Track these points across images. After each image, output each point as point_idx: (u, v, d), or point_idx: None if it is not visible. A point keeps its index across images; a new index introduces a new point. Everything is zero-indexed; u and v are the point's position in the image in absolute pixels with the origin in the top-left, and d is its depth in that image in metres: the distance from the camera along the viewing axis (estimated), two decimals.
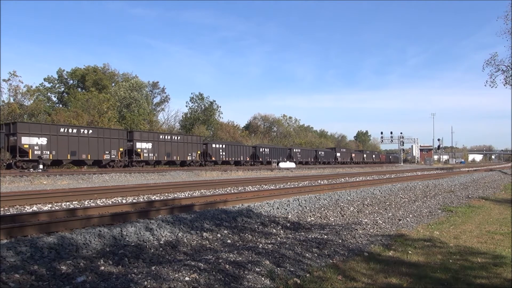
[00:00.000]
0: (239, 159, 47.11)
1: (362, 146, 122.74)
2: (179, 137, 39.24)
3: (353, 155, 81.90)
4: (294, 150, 59.80)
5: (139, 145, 34.20)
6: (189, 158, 39.17)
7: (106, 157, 31.39)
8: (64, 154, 28.63)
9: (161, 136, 37.01)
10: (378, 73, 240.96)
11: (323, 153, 68.42)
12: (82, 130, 30.18)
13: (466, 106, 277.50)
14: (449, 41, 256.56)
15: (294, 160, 56.40)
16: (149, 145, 35.03)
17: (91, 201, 11.57)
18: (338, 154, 73.51)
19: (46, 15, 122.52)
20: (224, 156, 44.91)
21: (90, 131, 30.81)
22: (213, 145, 43.92)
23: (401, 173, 34.42)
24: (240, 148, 48.31)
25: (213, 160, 42.88)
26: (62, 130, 28.89)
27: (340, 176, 27.39)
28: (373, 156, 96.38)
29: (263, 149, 52.98)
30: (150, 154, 35.07)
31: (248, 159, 48.83)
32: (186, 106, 71.07)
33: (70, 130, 29.31)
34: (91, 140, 30.44)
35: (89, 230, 6.30)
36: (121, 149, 32.45)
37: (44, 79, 58.72)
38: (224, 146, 45.44)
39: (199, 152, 40.50)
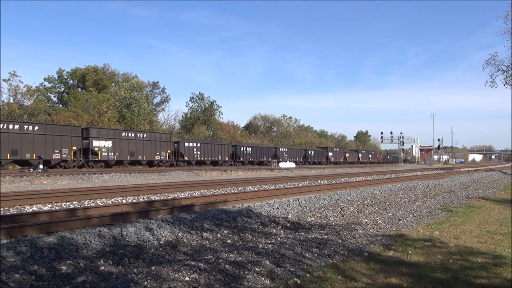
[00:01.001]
0: (216, 158, 43.61)
1: (362, 146, 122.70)
2: (145, 135, 36.09)
3: (347, 154, 77.83)
4: (280, 149, 56.57)
5: (96, 143, 31.36)
6: (157, 157, 36.28)
7: (56, 156, 28.64)
8: (4, 154, 25.76)
9: (123, 134, 34.05)
10: (378, 73, 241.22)
11: (313, 152, 64.95)
12: (26, 127, 27.39)
13: (466, 106, 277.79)
14: (449, 41, 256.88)
15: (280, 160, 53.71)
16: (108, 143, 32.09)
17: (91, 201, 11.57)
18: (330, 154, 70.14)
19: (46, 15, 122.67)
20: (199, 156, 41.56)
21: (36, 127, 28.04)
22: (186, 144, 40.64)
23: (401, 173, 34.42)
24: (217, 147, 44.82)
25: (186, 160, 39.72)
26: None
27: (340, 176, 27.39)
28: (370, 156, 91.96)
29: (244, 148, 49.24)
30: (109, 153, 32.11)
31: (227, 158, 45.28)
32: (186, 106, 71.18)
33: (11, 126, 26.40)
34: (37, 138, 27.58)
35: (89, 230, 6.30)
36: (74, 148, 29.86)
37: (44, 79, 58.88)
38: (198, 144, 42.09)
39: (169, 151, 37.66)
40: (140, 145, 34.89)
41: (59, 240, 5.62)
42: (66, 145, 29.43)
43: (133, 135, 34.81)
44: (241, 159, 47.68)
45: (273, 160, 51.56)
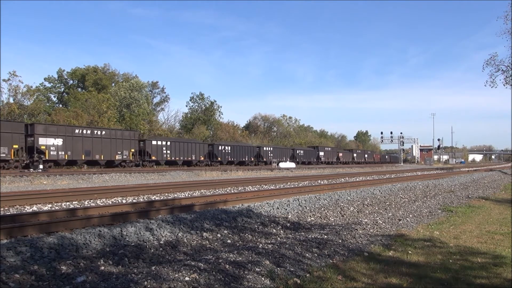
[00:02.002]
0: (189, 158, 40.09)
1: (362, 146, 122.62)
2: (104, 132, 32.30)
3: (340, 154, 73.45)
4: (264, 148, 52.47)
5: (43, 141, 28.01)
6: (118, 157, 32.87)
7: None
8: None
9: (77, 130, 30.45)
10: (378, 73, 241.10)
11: (302, 152, 60.72)
12: None
13: (466, 106, 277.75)
14: (449, 41, 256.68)
15: (265, 159, 50.59)
16: (58, 141, 28.82)
17: (91, 201, 11.58)
18: (321, 153, 65.90)
19: (46, 15, 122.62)
20: (169, 155, 37.95)
21: None
22: (153, 142, 36.99)
23: (401, 173, 34.43)
24: (191, 145, 41.03)
25: (153, 160, 36.53)
26: None
27: (340, 176, 27.40)
28: (365, 155, 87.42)
29: (223, 147, 45.47)
30: (60, 152, 28.87)
31: (202, 158, 41.67)
32: (187, 106, 71.20)
33: None
34: None
35: (89, 230, 6.30)
36: (15, 146, 26.63)
37: (45, 79, 58.89)
38: (168, 143, 38.44)
39: (133, 150, 34.20)
40: (97, 143, 31.39)
41: (59, 240, 5.62)
42: (6, 144, 25.96)
43: (89, 132, 31.28)
44: (219, 158, 44.04)
45: (273, 160, 50.81)
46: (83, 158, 30.61)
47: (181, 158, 39.47)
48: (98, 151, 31.48)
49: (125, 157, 33.67)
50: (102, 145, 31.73)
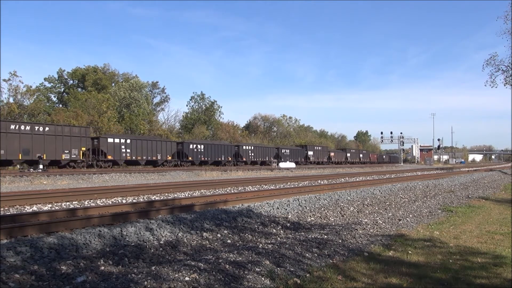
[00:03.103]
0: (155, 158, 37.00)
1: (362, 146, 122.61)
2: (47, 128, 28.80)
3: (332, 154, 69.00)
4: (244, 147, 47.45)
5: None
6: (65, 156, 29.66)
7: None
8: None
9: (12, 126, 26.72)
10: (378, 73, 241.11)
11: (287, 151, 56.03)
12: None
13: (466, 106, 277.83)
14: (449, 41, 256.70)
15: (245, 159, 46.50)
16: None
17: (91, 201, 11.57)
18: (310, 153, 61.23)
19: (46, 15, 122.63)
20: (129, 154, 34.54)
21: None
22: (110, 140, 33.43)
23: (401, 173, 34.43)
24: (156, 144, 37.67)
25: (110, 160, 33.37)
26: None
27: (340, 176, 27.40)
28: (360, 155, 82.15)
29: (195, 145, 41.67)
30: None
31: (169, 157, 38.40)
32: (187, 105, 71.24)
33: None
34: None
35: (89, 230, 6.30)
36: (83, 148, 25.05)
37: (45, 79, 58.93)
38: (128, 141, 34.82)
39: (83, 148, 30.95)
40: (39, 141, 27.98)
41: (59, 240, 5.62)
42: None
43: (28, 128, 27.59)
44: (190, 158, 41.11)
45: (205, 158, 45.59)
46: (20, 158, 26.98)
47: (144, 157, 36.00)
48: (39, 150, 28.04)
49: (74, 156, 30.44)
50: (45, 143, 28.33)
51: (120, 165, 35.20)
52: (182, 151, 40.26)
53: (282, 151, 54.55)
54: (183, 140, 45.30)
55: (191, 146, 41.31)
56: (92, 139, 32.67)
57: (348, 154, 75.75)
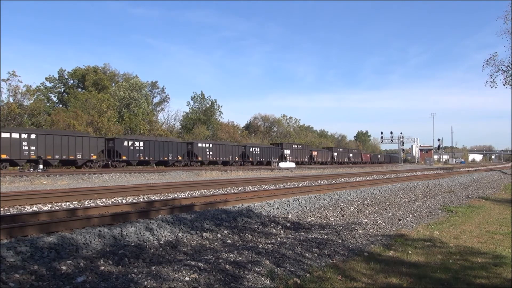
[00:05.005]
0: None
1: (362, 146, 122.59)
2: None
3: (315, 153, 62.43)
4: (200, 145, 42.06)
5: None
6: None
7: None
8: None
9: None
10: (379, 73, 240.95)
11: (257, 150, 49.93)
12: None
13: (466, 106, 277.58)
14: (450, 41, 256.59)
15: (201, 159, 41.39)
16: None
17: (91, 201, 11.57)
18: (287, 152, 54.89)
19: (46, 15, 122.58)
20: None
21: None
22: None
23: (401, 173, 34.43)
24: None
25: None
26: None
27: (340, 176, 27.41)
28: (350, 155, 74.88)
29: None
30: None
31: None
32: (188, 105, 71.24)
33: None
34: None
35: (89, 230, 6.30)
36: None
37: (46, 79, 58.95)
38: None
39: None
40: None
41: (59, 240, 5.62)
42: None
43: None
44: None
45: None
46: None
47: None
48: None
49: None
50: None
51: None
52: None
53: (250, 150, 48.88)
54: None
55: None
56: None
57: (335, 154, 69.53)
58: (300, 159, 57.60)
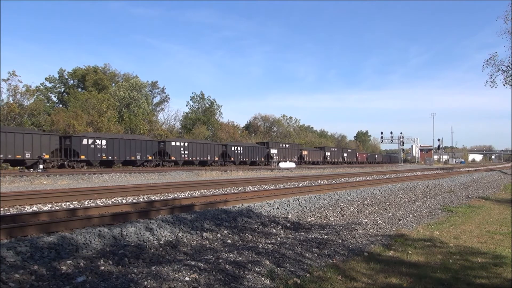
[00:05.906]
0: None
1: (362, 146, 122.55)
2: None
3: (305, 153, 58.72)
4: (173, 143, 39.35)
5: None
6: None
7: None
8: None
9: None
10: (379, 73, 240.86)
11: (240, 149, 46.77)
12: None
13: (466, 106, 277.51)
14: (450, 41, 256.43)
15: (174, 158, 39.00)
16: None
17: (91, 201, 11.57)
18: (274, 152, 51.60)
19: (46, 15, 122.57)
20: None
21: None
22: (173, 143, 35.89)
23: (401, 173, 34.43)
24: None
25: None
26: None
27: (340, 176, 27.41)
28: (344, 155, 70.73)
29: (98, 140, 32.82)
30: None
31: (47, 156, 28.33)
32: (187, 105, 71.24)
33: None
34: None
35: (89, 230, 6.30)
36: None
37: (46, 79, 58.94)
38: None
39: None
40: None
41: (59, 240, 5.62)
42: None
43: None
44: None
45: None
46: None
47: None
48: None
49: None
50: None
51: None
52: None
53: (232, 149, 45.90)
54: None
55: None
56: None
57: (328, 153, 65.71)
58: (288, 159, 53.25)
